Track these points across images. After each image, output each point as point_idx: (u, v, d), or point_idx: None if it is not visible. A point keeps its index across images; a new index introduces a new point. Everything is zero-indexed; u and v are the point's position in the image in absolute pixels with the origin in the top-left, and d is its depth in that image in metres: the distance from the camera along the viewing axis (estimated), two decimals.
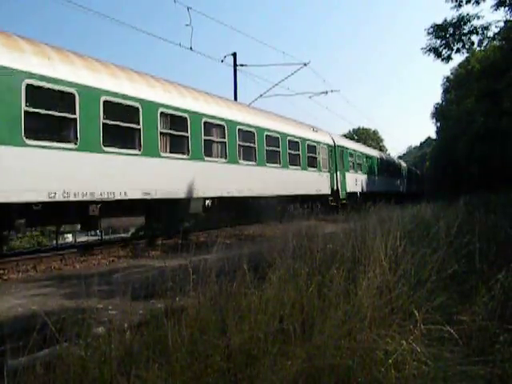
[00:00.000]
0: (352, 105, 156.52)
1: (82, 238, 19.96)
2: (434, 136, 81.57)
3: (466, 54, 28.38)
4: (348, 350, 3.40)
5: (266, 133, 18.94)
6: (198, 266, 4.92)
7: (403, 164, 53.38)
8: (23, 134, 9.46)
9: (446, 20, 22.81)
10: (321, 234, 7.99)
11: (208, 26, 51.14)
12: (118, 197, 11.56)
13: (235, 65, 27.30)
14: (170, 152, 13.65)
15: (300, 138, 22.11)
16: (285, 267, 5.08)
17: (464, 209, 10.88)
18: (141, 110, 12.54)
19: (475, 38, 22.86)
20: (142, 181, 12.40)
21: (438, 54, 23.63)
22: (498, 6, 22.33)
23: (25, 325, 4.41)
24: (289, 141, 20.82)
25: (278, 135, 19.95)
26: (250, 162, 17.88)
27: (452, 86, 55.66)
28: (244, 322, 3.92)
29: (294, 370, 3.21)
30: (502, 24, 22.88)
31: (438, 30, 22.95)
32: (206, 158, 15.00)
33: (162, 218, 13.98)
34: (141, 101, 12.56)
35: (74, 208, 11.04)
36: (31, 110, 9.66)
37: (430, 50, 23.78)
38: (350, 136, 74.48)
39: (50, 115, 10.12)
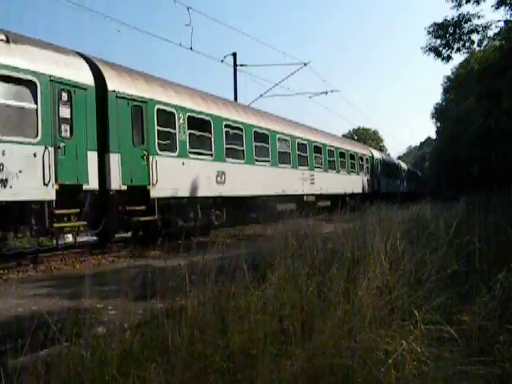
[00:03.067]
0: (352, 105, 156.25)
1: (82, 238, 19.93)
2: (434, 136, 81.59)
3: (465, 54, 28.42)
4: (348, 349, 3.40)
5: None
6: (198, 266, 4.93)
7: (403, 164, 53.35)
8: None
9: (446, 19, 22.82)
10: (320, 233, 7.99)
11: (208, 25, 51.15)
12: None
13: (235, 65, 27.30)
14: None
15: None
16: (284, 267, 5.08)
17: (464, 209, 10.88)
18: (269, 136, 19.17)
19: (475, 38, 22.89)
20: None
21: (438, 54, 23.62)
22: (498, 5, 22.33)
23: (25, 325, 4.41)
24: None
25: None
26: None
27: (452, 86, 55.67)
28: (244, 321, 3.92)
29: (294, 370, 3.21)
30: (502, 24, 22.90)
31: (438, 29, 22.94)
32: None
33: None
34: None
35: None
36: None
37: (429, 50, 23.76)
38: (349, 136, 74.49)
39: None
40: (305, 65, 28.11)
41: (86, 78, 11.46)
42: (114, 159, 11.89)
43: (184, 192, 14.28)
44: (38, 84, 10.10)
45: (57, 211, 10.44)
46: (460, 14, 22.45)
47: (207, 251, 5.71)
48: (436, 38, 23.25)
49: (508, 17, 22.69)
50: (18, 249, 13.53)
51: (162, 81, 15.21)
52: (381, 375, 3.11)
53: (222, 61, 26.54)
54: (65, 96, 10.79)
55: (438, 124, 66.20)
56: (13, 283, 8.11)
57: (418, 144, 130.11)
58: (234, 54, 27.43)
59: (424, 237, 6.17)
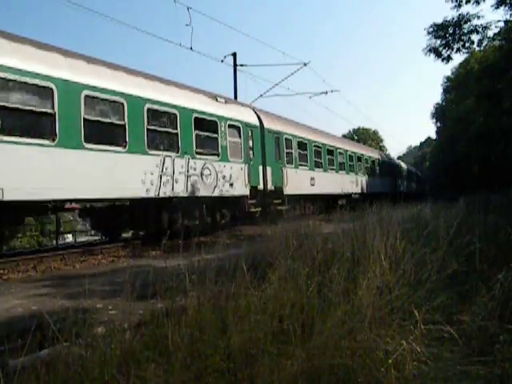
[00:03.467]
0: (352, 105, 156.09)
1: (82, 238, 19.95)
2: (433, 136, 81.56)
3: (465, 54, 28.45)
4: (348, 350, 3.40)
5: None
6: (199, 266, 4.93)
7: (403, 165, 53.39)
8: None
9: (445, 19, 22.82)
10: (320, 233, 7.99)
11: (208, 25, 51.14)
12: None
13: (235, 65, 27.28)
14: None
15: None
16: (284, 267, 5.08)
17: (464, 208, 10.88)
18: (334, 151, 27.68)
19: (475, 38, 22.88)
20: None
21: (438, 54, 23.61)
22: (498, 5, 22.33)
23: (25, 325, 4.41)
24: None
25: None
26: None
27: (452, 86, 55.64)
28: (244, 321, 3.92)
29: (294, 370, 3.21)
30: (502, 24, 22.89)
31: (438, 30, 22.94)
32: None
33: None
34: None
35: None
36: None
37: (430, 51, 23.76)
38: (349, 136, 74.43)
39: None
40: (305, 65, 28.10)
41: (256, 121, 19.17)
42: (269, 170, 19.44)
43: (297, 191, 21.42)
44: (241, 127, 17.74)
45: (249, 201, 17.74)
46: (460, 15, 22.46)
47: (207, 251, 5.71)
48: (436, 38, 23.26)
49: (508, 17, 22.69)
50: (18, 249, 13.55)
51: (284, 119, 23.41)
52: (381, 375, 3.11)
53: (222, 61, 26.58)
54: (249, 133, 18.34)
55: (438, 124, 66.19)
56: (13, 283, 8.12)
57: (418, 144, 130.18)
58: (234, 54, 27.41)
59: (424, 237, 6.18)
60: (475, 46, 23.71)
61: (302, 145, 23.11)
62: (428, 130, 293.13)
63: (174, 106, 14.11)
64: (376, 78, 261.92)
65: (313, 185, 23.59)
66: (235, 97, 26.65)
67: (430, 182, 67.64)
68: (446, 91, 60.38)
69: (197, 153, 14.92)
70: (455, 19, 22.47)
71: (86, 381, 3.21)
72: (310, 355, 3.33)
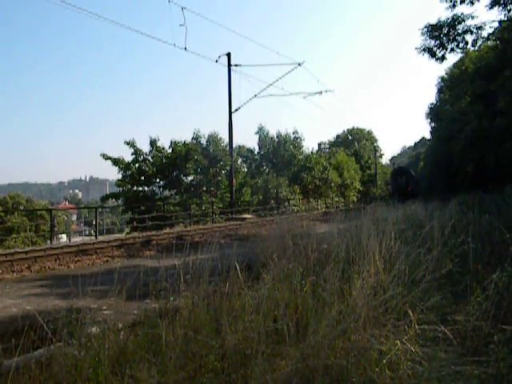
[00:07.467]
0: (347, 105, 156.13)
1: (77, 239, 19.91)
2: (428, 136, 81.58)
3: (460, 54, 28.47)
4: (342, 349, 3.40)
5: None
6: (193, 266, 4.92)
7: None
8: None
9: (440, 20, 22.85)
10: (315, 234, 7.99)
11: (202, 26, 51.11)
12: None
13: (229, 65, 27.25)
14: None
15: None
16: (279, 267, 5.08)
17: (458, 209, 10.91)
18: None
19: (469, 38, 22.92)
20: None
21: (432, 54, 23.65)
22: (492, 5, 22.37)
23: (19, 325, 4.40)
24: None
25: None
26: None
27: (446, 86, 55.69)
28: (238, 322, 3.92)
29: (288, 370, 3.21)
30: (496, 24, 22.94)
31: (432, 30, 22.96)
32: None
33: None
34: None
35: None
36: None
37: (424, 50, 23.80)
38: (344, 136, 74.47)
39: None
40: (299, 65, 28.08)
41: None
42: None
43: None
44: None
45: None
46: (454, 15, 22.49)
47: (202, 251, 5.70)
48: (430, 38, 23.29)
49: (502, 17, 22.75)
50: (13, 249, 13.49)
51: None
52: (375, 375, 3.11)
53: (216, 61, 26.53)
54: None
55: (433, 124, 66.19)
56: (7, 283, 8.09)
57: (413, 144, 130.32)
58: (229, 54, 27.37)
59: (419, 237, 6.18)
60: (469, 46, 23.76)
61: None
62: (423, 130, 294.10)
63: None
64: (371, 79, 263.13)
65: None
66: (229, 97, 26.60)
67: (424, 183, 67.74)
68: (440, 91, 60.42)
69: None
70: (449, 19, 22.51)
71: (79, 381, 3.20)
72: (304, 355, 3.32)
